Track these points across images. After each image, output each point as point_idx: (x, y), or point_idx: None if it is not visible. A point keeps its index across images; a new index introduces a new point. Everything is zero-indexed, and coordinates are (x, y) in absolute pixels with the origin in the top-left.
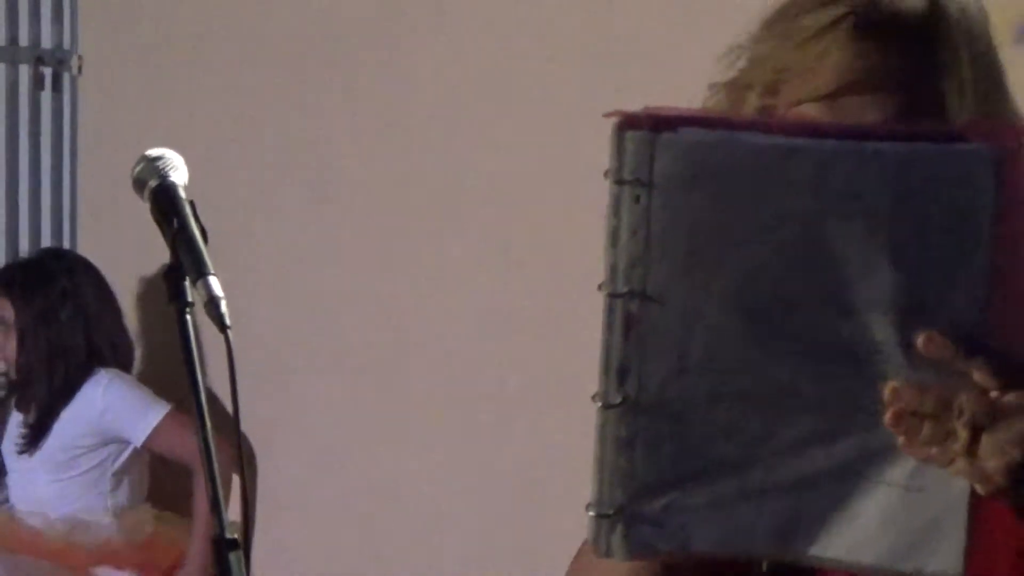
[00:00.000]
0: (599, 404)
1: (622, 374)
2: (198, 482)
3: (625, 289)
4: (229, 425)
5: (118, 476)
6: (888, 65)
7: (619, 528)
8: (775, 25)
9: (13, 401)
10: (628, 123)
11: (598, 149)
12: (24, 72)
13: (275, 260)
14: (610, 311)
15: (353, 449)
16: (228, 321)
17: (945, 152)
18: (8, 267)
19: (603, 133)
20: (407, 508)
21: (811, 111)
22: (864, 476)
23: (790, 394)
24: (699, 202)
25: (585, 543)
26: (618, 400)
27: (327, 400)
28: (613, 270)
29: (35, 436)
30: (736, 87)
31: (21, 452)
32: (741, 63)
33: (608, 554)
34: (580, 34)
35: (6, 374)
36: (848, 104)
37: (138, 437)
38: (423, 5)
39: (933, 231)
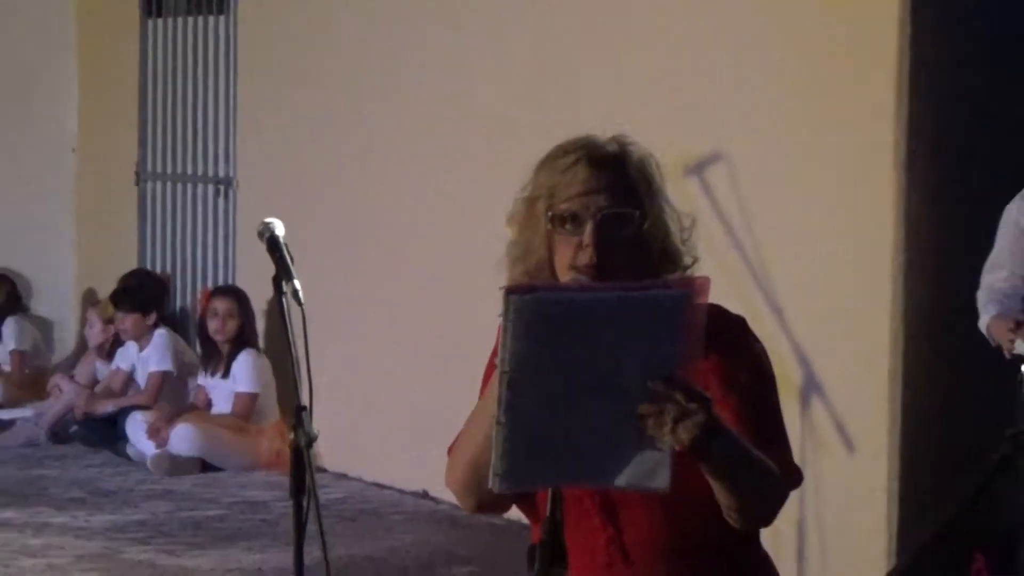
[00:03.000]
0: (494, 422)
1: (505, 407)
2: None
3: (508, 368)
4: (303, 349)
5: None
6: (604, 180)
7: (501, 479)
8: (545, 165)
9: (214, 358)
10: (510, 290)
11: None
12: (210, 189)
13: (340, 269)
14: (500, 377)
15: (367, 362)
16: (303, 301)
17: (660, 295)
18: (229, 287)
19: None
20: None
21: (569, 204)
22: (626, 445)
23: (594, 415)
24: (544, 329)
25: (455, 440)
26: (503, 420)
27: (354, 338)
28: (502, 358)
29: (225, 374)
30: (530, 199)
31: (221, 378)
32: (531, 186)
33: (496, 489)
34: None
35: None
36: (587, 200)
37: (240, 388)
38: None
39: (654, 335)
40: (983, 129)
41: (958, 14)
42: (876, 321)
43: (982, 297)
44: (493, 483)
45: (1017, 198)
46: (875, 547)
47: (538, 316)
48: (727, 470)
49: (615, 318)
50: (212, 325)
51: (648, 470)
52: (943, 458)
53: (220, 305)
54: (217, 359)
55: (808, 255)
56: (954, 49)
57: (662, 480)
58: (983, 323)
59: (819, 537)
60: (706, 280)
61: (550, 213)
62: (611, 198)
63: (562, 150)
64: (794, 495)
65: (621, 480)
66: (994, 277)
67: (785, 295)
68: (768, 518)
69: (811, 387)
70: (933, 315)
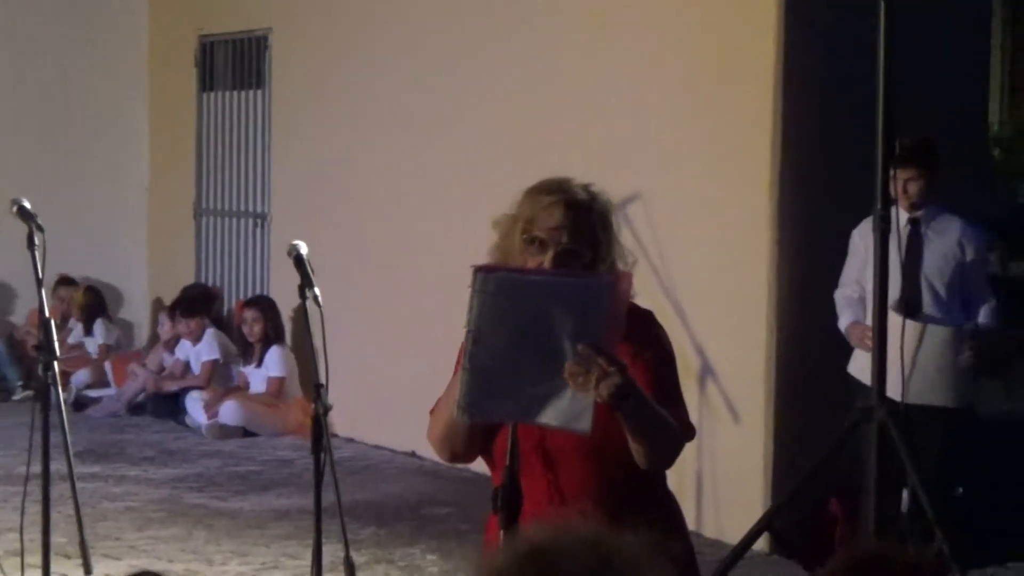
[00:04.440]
0: (463, 368)
1: (469, 357)
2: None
3: (472, 328)
4: (321, 341)
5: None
6: (570, 220)
7: (463, 411)
8: (531, 195)
9: (250, 352)
10: (479, 269)
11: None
12: (250, 222)
13: (350, 282)
14: (468, 335)
15: (370, 352)
16: (321, 304)
17: (592, 281)
18: (256, 299)
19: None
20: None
21: (540, 233)
22: (558, 394)
23: (534, 370)
24: (502, 301)
25: (436, 404)
26: (467, 367)
27: (363, 326)
28: (469, 321)
29: (259, 363)
30: (513, 218)
31: (255, 367)
32: (515, 209)
33: (458, 419)
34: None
35: (247, 341)
36: (554, 234)
37: (271, 374)
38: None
39: (586, 312)
40: (845, 159)
41: (827, 79)
42: (755, 321)
43: (839, 304)
44: (457, 414)
45: (861, 224)
46: (755, 493)
47: (498, 289)
48: (638, 421)
49: (557, 296)
50: (244, 329)
51: (575, 415)
52: (808, 426)
53: (248, 314)
54: (251, 353)
55: (703, 269)
56: (823, 103)
57: (585, 423)
58: (841, 325)
59: (713, 486)
60: (629, 275)
61: (525, 236)
62: (572, 236)
63: (545, 188)
64: (694, 455)
65: (554, 421)
66: (845, 290)
67: (686, 301)
68: (669, 461)
69: (706, 372)
70: (800, 317)
